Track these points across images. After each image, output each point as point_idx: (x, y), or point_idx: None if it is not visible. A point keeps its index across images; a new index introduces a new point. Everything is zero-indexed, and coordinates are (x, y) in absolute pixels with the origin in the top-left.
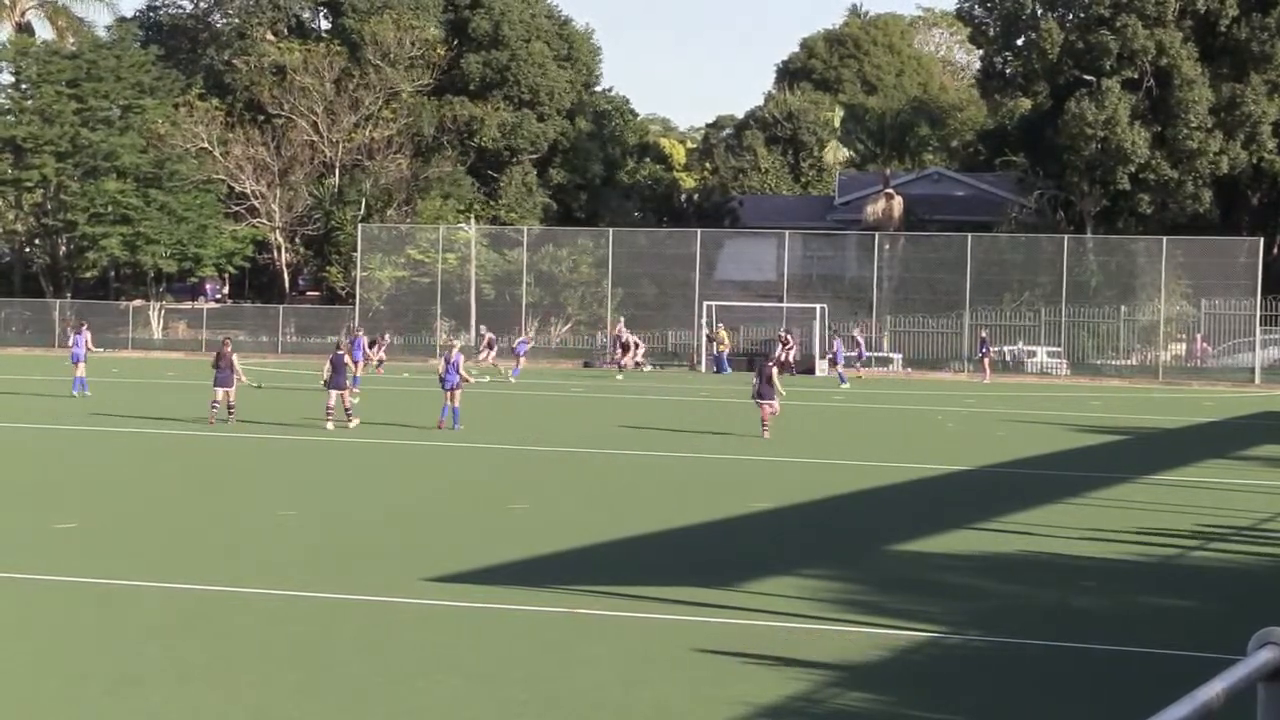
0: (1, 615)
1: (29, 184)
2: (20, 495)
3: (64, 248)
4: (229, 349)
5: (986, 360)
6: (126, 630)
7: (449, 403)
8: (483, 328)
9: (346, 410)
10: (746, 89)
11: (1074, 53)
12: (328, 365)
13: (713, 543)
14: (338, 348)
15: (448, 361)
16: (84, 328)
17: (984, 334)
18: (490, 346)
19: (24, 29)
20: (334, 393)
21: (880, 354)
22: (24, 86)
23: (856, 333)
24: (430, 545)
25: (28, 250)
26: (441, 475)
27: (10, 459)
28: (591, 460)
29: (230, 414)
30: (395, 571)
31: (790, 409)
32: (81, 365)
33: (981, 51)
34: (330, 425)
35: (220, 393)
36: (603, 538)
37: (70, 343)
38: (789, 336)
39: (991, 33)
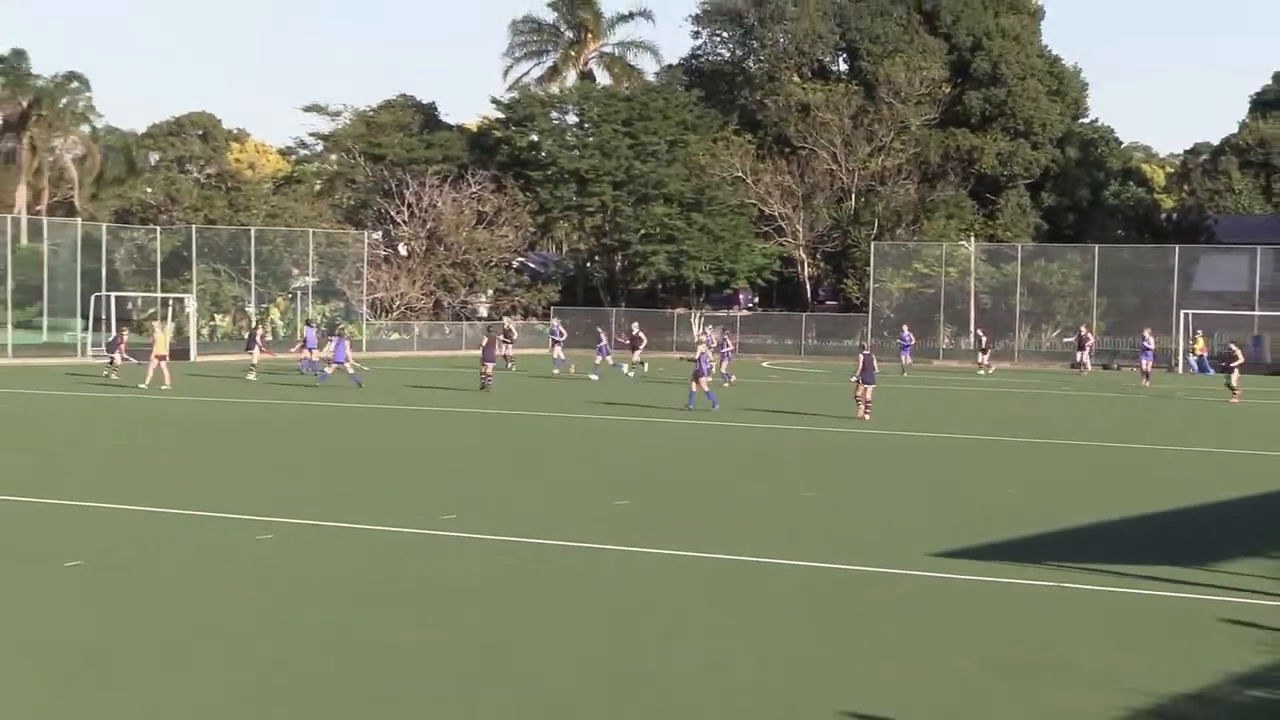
0: (571, 580)
1: (590, 209)
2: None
3: (619, 263)
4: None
5: None
6: (669, 593)
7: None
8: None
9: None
10: (1222, 118)
11: None
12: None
13: (1190, 525)
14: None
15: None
16: (342, 335)
17: None
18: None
19: (586, 76)
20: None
21: None
22: (586, 125)
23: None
24: (934, 524)
25: (588, 266)
26: (941, 463)
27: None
28: (1083, 451)
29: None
30: (903, 547)
31: (1249, 406)
32: (347, 364)
33: None
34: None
35: None
36: (1087, 520)
37: (334, 346)
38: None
39: None
